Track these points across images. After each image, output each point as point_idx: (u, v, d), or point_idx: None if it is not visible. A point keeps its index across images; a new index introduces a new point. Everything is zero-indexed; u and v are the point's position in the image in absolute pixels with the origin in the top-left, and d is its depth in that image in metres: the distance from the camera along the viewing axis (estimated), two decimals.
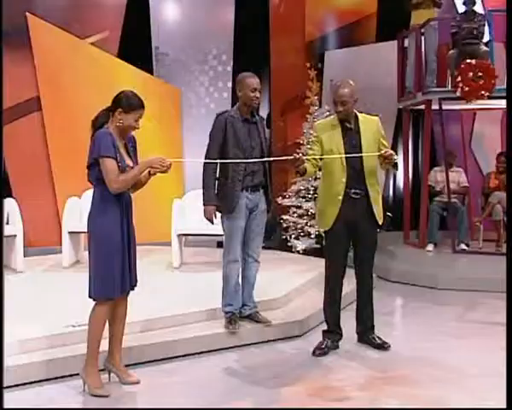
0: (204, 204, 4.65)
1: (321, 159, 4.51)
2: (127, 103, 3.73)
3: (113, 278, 3.74)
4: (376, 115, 4.71)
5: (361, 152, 4.46)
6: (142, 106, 3.77)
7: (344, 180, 4.45)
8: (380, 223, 4.60)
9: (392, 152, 4.43)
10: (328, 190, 4.55)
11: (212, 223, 4.66)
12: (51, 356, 4.06)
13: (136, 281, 3.94)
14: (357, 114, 4.59)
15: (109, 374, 3.97)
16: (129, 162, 3.78)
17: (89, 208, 3.82)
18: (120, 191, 3.71)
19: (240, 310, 4.87)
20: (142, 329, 4.57)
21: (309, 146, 4.62)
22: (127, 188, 3.76)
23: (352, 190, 4.47)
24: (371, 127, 4.58)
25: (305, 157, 4.39)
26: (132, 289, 3.92)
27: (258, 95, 4.64)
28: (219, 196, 4.66)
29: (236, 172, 4.59)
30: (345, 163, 4.45)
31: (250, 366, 4.38)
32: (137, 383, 3.96)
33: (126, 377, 3.96)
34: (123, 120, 3.73)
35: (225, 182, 4.61)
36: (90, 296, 3.81)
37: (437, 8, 8.23)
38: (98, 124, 3.77)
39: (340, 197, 4.46)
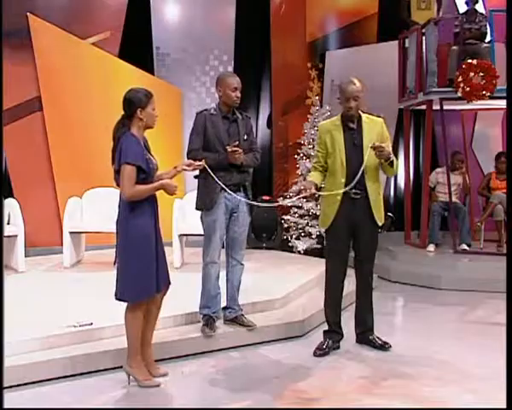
0: (218, 162, 4.52)
1: (326, 162, 4.56)
2: (139, 100, 3.79)
3: (150, 278, 3.80)
4: (379, 117, 4.70)
5: (362, 153, 4.47)
6: (150, 93, 3.86)
7: (343, 181, 4.46)
8: (379, 224, 4.60)
9: (381, 145, 4.39)
10: (329, 190, 4.56)
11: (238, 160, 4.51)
12: (52, 356, 4.06)
13: (169, 279, 4.01)
14: (361, 114, 4.58)
15: None
16: (155, 161, 3.87)
17: (118, 212, 3.84)
18: (131, 200, 3.73)
19: (224, 313, 4.85)
20: None
21: (314, 146, 4.61)
22: (137, 199, 3.76)
23: (353, 191, 4.47)
24: (375, 128, 4.56)
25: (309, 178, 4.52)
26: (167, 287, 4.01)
27: (238, 94, 4.62)
28: (198, 193, 4.65)
29: (216, 170, 4.52)
30: (345, 164, 4.47)
31: (251, 366, 4.39)
32: (166, 375, 4.06)
33: (156, 371, 4.04)
34: (145, 117, 3.80)
35: (204, 181, 4.57)
36: (120, 299, 3.82)
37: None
38: (119, 134, 3.79)
39: (339, 197, 4.47)
